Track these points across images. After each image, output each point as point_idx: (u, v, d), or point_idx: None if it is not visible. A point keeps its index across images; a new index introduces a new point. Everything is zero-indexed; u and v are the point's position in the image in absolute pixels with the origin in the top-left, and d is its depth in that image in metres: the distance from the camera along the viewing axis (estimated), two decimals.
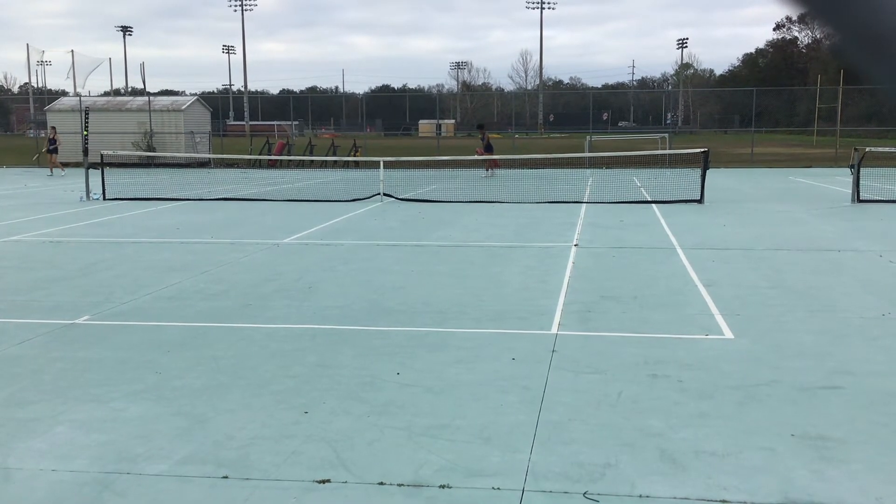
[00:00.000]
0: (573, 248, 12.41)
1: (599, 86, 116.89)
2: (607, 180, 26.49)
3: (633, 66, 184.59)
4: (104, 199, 20.45)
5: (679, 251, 12.08)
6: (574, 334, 7.43)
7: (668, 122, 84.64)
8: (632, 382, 6.04)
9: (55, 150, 31.32)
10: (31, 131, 59.98)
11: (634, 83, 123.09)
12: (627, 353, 6.83)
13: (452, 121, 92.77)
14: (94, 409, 5.57)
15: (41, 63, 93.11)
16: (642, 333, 7.46)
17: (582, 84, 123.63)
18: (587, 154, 31.57)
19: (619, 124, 74.71)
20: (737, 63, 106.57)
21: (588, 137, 40.18)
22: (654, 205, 18.90)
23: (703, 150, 20.62)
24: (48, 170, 32.13)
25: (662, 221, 15.69)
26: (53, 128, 32.79)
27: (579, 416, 5.35)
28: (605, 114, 78.93)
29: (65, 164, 31.76)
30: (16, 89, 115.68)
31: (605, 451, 4.80)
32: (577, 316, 8.12)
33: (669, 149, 35.95)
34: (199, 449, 4.87)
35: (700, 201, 19.09)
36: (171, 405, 5.62)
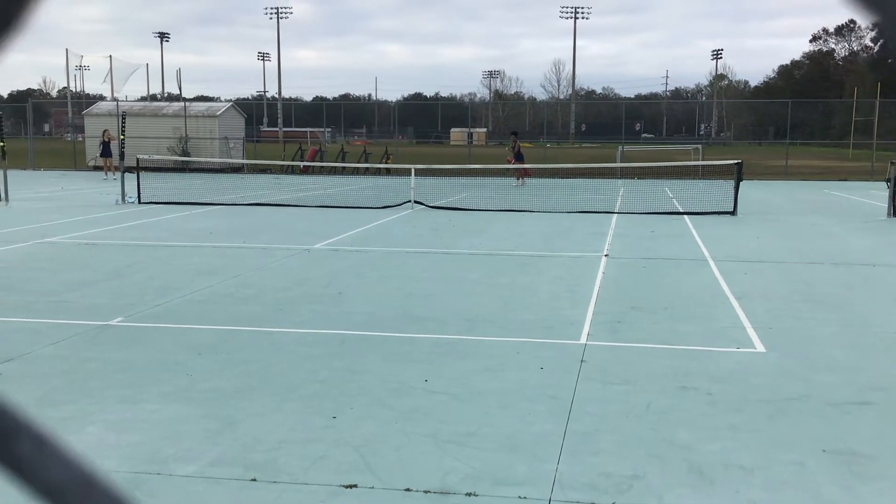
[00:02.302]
0: (603, 259, 12.36)
1: (632, 96, 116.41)
2: (639, 191, 26.35)
3: (667, 77, 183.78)
4: (139, 202, 20.72)
5: (711, 263, 11.98)
6: (603, 345, 7.40)
7: (701, 133, 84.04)
8: (661, 394, 6.01)
9: (110, 154, 31.65)
10: (69, 135, 60.92)
11: (668, 94, 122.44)
12: (657, 364, 6.79)
13: (484, 129, 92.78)
14: (126, 409, 5.64)
15: (80, 68, 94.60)
16: (672, 345, 7.41)
17: (614, 94, 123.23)
18: (619, 164, 31.43)
19: (644, 136, 74.21)
20: (772, 74, 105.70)
21: (620, 147, 40.02)
22: (686, 216, 18.77)
23: (736, 161, 20.46)
24: (103, 173, 32.47)
25: (694, 233, 15.58)
26: (106, 130, 32.89)
27: (607, 427, 5.33)
28: (638, 124, 78.56)
29: (97, 168, 32.05)
30: (55, 93, 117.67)
31: (632, 462, 4.77)
32: (607, 326, 8.09)
33: (702, 160, 35.69)
34: (228, 451, 4.91)
35: (733, 213, 18.93)
36: (202, 407, 5.68)
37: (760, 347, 7.36)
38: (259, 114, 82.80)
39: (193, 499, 4.31)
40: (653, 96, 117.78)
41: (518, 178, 29.98)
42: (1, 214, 17.90)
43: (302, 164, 35.59)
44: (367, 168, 34.98)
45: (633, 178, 33.48)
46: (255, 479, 4.52)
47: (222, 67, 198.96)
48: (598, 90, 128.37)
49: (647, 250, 13.28)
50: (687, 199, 23.16)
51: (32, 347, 7.19)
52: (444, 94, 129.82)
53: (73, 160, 39.93)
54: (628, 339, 7.64)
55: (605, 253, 12.95)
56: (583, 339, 7.56)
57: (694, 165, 33.80)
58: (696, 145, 44.13)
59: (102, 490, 0.33)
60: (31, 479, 0.32)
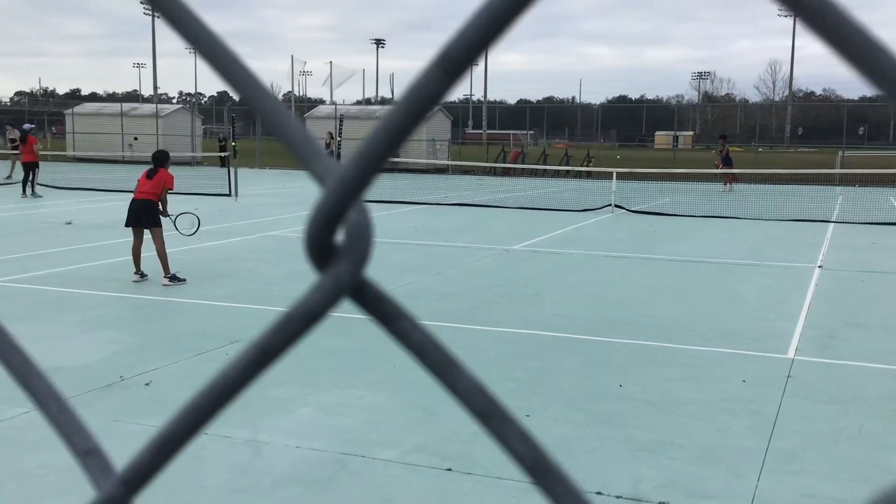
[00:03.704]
0: (816, 270, 11.69)
1: (856, 98, 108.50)
2: (860, 199, 24.60)
3: None
4: None
5: None
6: (812, 360, 7.04)
7: None
8: (875, 416, 5.64)
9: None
10: None
11: None
12: (872, 384, 6.37)
13: (690, 133, 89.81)
14: (336, 394, 6.03)
15: (303, 73, 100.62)
16: (890, 365, 6.92)
17: (836, 96, 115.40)
18: (838, 170, 29.45)
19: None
20: None
21: (840, 153, 37.49)
22: None
23: None
24: None
25: None
26: (330, 133, 34.84)
27: (813, 447, 5.09)
28: (861, 128, 73.19)
29: None
30: (280, 97, 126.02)
31: (840, 485, 4.53)
32: (817, 341, 7.67)
33: None
34: (428, 440, 5.14)
35: None
36: (405, 397, 5.96)
37: None
38: (465, 116, 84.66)
39: (393, 482, 4.55)
40: (880, 98, 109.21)
41: (726, 184, 28.83)
42: (231, 209, 19.48)
43: (504, 165, 36.09)
44: (568, 171, 34.91)
45: (854, 186, 31.26)
46: (450, 469, 4.71)
47: None
48: (818, 91, 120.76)
49: (866, 263, 12.41)
50: None
51: (257, 331, 7.80)
52: (649, 96, 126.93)
53: (295, 160, 42.58)
54: (841, 356, 7.22)
55: (818, 264, 12.23)
56: (790, 354, 7.22)
57: None
58: None
59: (442, 350, 0.45)
60: (403, 337, 0.45)
